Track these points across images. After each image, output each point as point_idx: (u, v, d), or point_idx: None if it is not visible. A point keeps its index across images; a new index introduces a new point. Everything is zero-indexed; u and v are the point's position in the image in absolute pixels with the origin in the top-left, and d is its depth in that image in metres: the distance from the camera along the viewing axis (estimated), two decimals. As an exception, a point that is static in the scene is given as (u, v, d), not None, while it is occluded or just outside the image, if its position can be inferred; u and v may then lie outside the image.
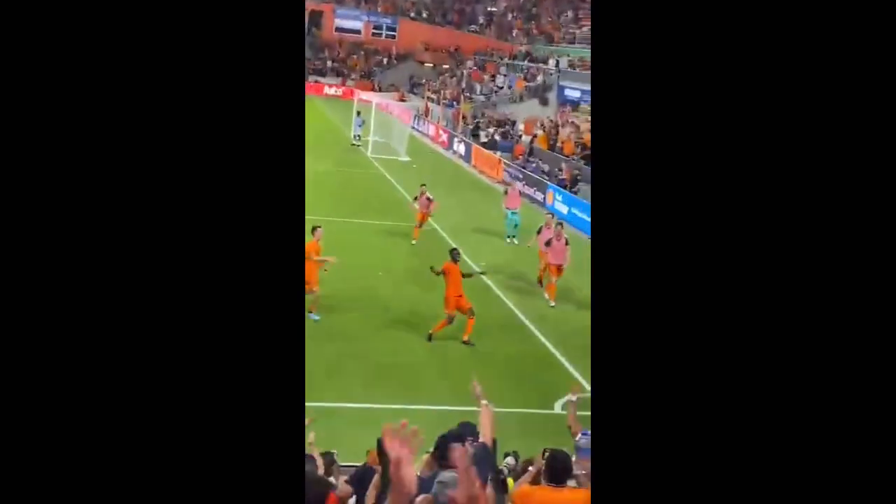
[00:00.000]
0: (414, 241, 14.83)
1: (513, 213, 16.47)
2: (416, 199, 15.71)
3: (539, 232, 13.28)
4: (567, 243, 12.59)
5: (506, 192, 17.16)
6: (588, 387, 8.38)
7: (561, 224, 13.51)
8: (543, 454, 3.91)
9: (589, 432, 3.56)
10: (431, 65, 42.84)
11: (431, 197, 15.40)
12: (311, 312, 10.03)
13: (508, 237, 16.29)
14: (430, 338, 10.09)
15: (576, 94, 29.05)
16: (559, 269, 12.59)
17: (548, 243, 12.75)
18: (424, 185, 15.53)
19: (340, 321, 10.42)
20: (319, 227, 10.31)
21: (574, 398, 5.45)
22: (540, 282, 13.25)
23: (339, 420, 7.39)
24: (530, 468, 4.57)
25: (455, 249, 10.85)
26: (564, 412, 7.37)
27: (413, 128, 30.56)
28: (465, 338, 10.15)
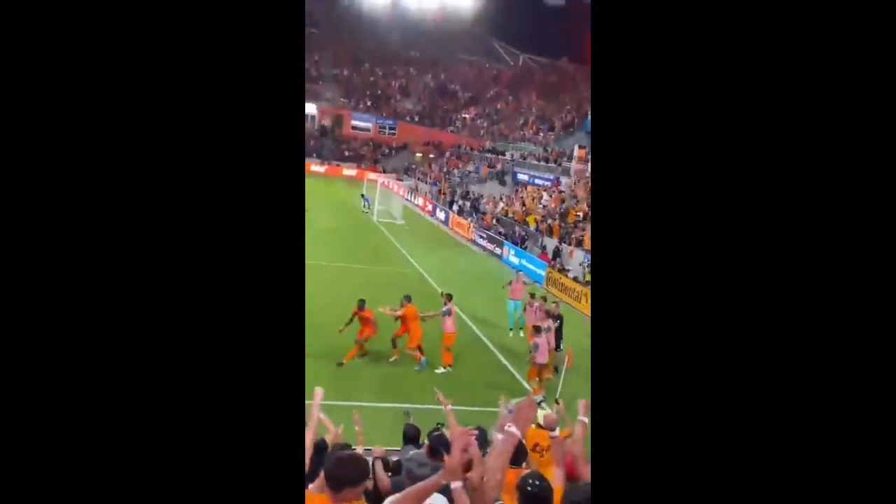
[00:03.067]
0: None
1: (516, 304, 11.70)
2: (445, 308, 9.14)
3: (524, 310, 9.94)
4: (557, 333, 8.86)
5: (510, 283, 12.11)
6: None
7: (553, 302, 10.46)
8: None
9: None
10: (421, 155, 43.15)
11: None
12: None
13: (512, 329, 11.67)
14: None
15: (525, 178, 28.96)
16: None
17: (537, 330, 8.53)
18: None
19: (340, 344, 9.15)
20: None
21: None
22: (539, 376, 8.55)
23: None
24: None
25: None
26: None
27: (407, 200, 30.59)
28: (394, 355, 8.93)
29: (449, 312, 9.26)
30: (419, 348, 9.17)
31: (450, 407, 3.50)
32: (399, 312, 9.19)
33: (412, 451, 2.80)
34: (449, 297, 9.50)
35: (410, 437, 4.12)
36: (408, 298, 9.31)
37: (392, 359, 9.25)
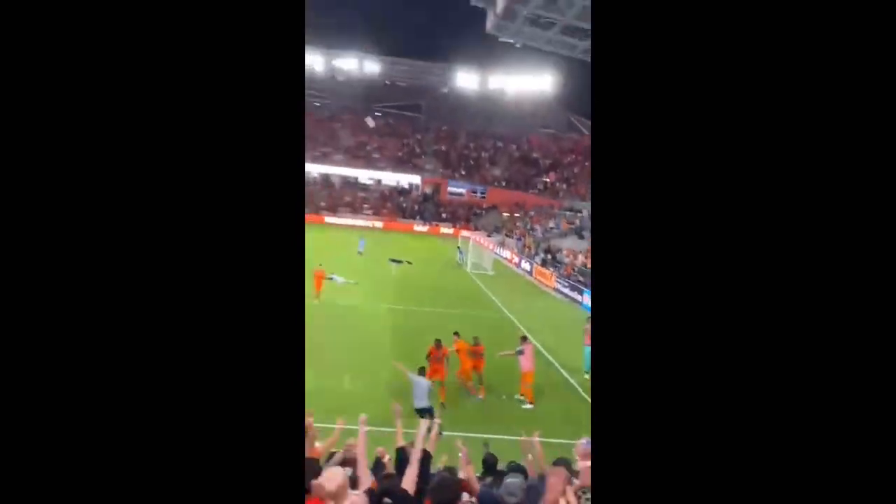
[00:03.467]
0: None
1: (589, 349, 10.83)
2: (519, 348, 9.04)
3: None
4: None
5: (586, 332, 11.11)
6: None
7: None
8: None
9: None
10: (508, 214, 43.98)
11: None
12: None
13: (587, 371, 10.71)
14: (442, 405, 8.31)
15: (601, 232, 28.38)
16: None
17: None
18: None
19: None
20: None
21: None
22: None
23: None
24: None
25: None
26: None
27: (496, 253, 30.69)
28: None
29: (522, 352, 9.18)
30: (471, 378, 9.21)
31: (537, 439, 3.52)
32: (452, 348, 9.14)
33: (508, 480, 2.61)
34: (523, 339, 9.58)
35: (489, 465, 4.21)
36: (456, 334, 9.36)
37: (479, 396, 9.26)
